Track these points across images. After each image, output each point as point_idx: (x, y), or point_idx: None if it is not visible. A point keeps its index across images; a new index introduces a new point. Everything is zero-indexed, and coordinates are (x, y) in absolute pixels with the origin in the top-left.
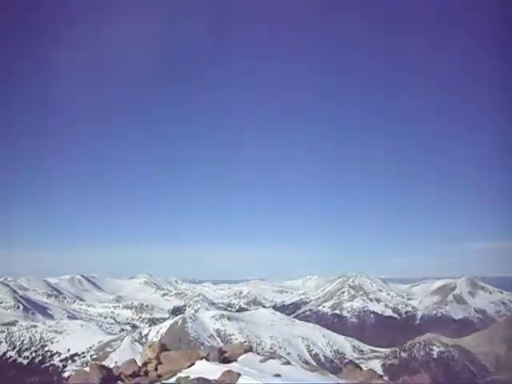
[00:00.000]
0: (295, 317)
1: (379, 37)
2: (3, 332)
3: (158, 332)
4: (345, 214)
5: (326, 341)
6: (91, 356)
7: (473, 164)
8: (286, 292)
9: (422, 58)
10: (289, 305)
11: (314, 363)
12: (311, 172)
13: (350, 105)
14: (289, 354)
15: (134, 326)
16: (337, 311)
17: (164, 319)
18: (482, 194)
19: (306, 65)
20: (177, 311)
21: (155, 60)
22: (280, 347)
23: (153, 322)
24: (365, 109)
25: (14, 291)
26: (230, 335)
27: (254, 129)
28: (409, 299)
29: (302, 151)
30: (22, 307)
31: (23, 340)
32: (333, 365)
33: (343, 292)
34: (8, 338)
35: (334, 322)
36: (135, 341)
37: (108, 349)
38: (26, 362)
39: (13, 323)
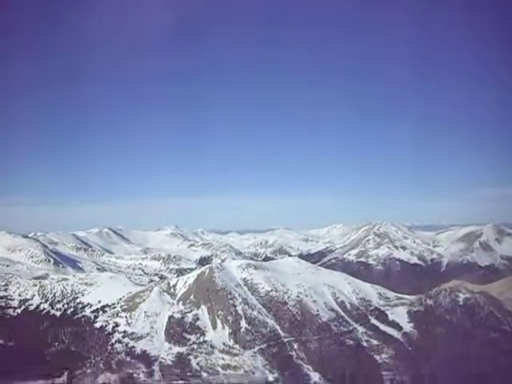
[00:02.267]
0: (321, 265)
1: None
2: (35, 285)
3: (186, 282)
4: (369, 161)
5: (351, 288)
6: (121, 307)
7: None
8: (312, 241)
9: None
10: (314, 253)
11: (340, 311)
12: (336, 115)
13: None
14: (315, 301)
15: (162, 277)
16: (362, 259)
17: (191, 269)
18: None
19: None
20: (203, 261)
21: None
22: (306, 295)
23: (180, 272)
24: None
25: (44, 246)
26: (256, 284)
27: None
28: (434, 246)
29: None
30: (52, 261)
31: (55, 293)
32: (359, 312)
33: (368, 240)
34: (40, 291)
35: (360, 270)
36: (164, 291)
37: (137, 299)
38: (58, 313)
39: (44, 277)
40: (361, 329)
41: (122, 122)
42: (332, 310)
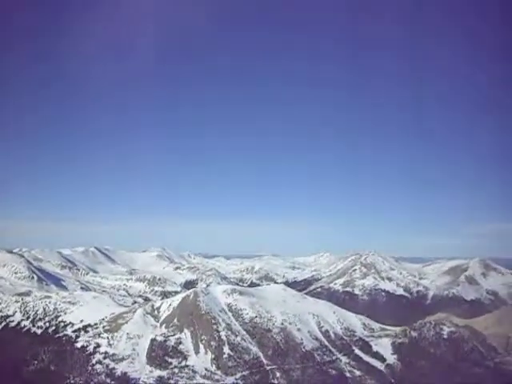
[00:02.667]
0: (307, 293)
1: None
2: (18, 302)
3: (170, 305)
4: (359, 192)
5: (336, 318)
6: (103, 327)
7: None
8: (298, 268)
9: None
10: (300, 281)
11: (324, 340)
12: (326, 146)
13: None
14: (299, 329)
15: (147, 299)
16: (348, 289)
17: (176, 292)
18: (494, 175)
19: None
20: (189, 285)
21: None
22: (291, 323)
23: (165, 295)
24: None
25: (29, 262)
26: (241, 310)
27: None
28: (420, 279)
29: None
30: (36, 278)
31: (37, 310)
32: (343, 342)
33: (355, 270)
34: (22, 308)
35: (346, 300)
36: (147, 313)
37: (120, 320)
38: (39, 331)
39: (27, 293)
40: (344, 359)
41: (112, 136)
42: (316, 338)
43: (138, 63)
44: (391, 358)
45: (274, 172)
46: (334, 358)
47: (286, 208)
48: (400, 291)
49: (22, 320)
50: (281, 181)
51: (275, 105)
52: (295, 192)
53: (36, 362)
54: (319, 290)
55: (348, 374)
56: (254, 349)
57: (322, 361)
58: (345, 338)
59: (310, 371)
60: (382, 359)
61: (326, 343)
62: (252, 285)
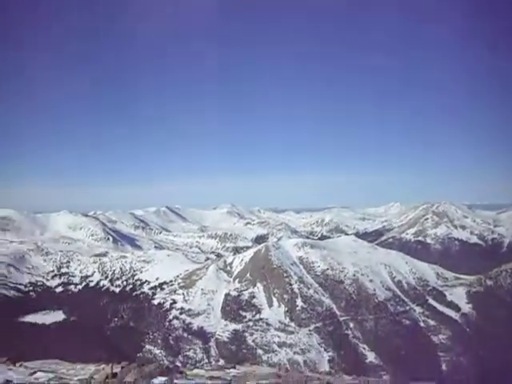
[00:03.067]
0: (378, 244)
1: None
2: (96, 263)
3: (242, 260)
4: (427, 138)
5: (409, 268)
6: (178, 284)
7: None
8: (369, 219)
9: None
10: (371, 232)
11: (397, 290)
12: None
13: None
14: (371, 280)
15: (219, 255)
16: (420, 238)
17: (247, 247)
18: None
19: None
20: (260, 240)
21: None
22: (362, 274)
23: (236, 250)
24: None
25: (104, 224)
26: (312, 263)
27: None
28: (495, 226)
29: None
30: (111, 239)
31: (114, 270)
32: (416, 292)
33: (427, 219)
34: (100, 268)
35: (418, 249)
36: (220, 269)
37: (194, 277)
38: (118, 290)
39: (104, 254)
40: (418, 309)
41: (182, 103)
42: (389, 289)
43: None
44: (466, 308)
45: (342, 123)
46: (407, 308)
47: (354, 160)
48: (474, 239)
49: (100, 280)
50: (349, 132)
51: None
52: (363, 144)
53: (116, 319)
54: (390, 240)
55: (422, 324)
56: (327, 301)
57: (396, 311)
58: (418, 287)
59: (383, 322)
60: (457, 308)
61: (399, 293)
62: (322, 237)
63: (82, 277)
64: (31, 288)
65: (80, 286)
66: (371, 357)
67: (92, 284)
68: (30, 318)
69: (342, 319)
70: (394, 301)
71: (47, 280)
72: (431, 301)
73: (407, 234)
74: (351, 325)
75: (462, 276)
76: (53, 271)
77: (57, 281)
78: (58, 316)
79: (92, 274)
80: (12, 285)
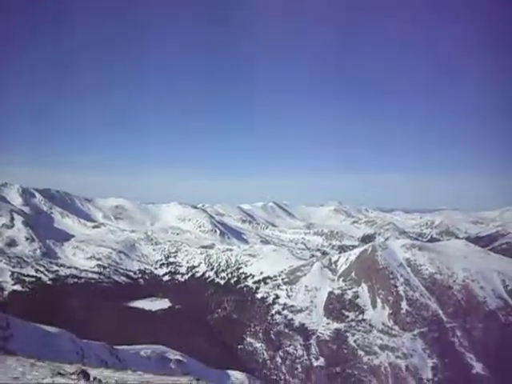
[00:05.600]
0: (491, 249)
1: None
2: (202, 254)
3: (348, 259)
4: None
5: None
6: (282, 279)
7: None
8: (481, 223)
9: None
10: (484, 237)
11: (509, 299)
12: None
13: None
14: (482, 287)
15: (324, 253)
16: None
17: (353, 246)
18: None
19: None
20: (366, 239)
21: None
22: (473, 280)
23: (342, 248)
24: None
25: (211, 216)
26: (420, 265)
27: None
28: None
29: None
30: (218, 231)
31: (220, 262)
32: None
33: None
34: (207, 260)
35: None
36: (325, 267)
37: (298, 273)
38: (222, 281)
39: (211, 246)
40: None
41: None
42: (500, 297)
43: None
44: None
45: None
46: None
47: (467, 160)
48: None
49: (206, 271)
50: (470, 131)
51: None
52: (476, 145)
53: (219, 310)
54: (505, 246)
55: None
56: (434, 305)
57: (507, 321)
58: None
59: (493, 331)
60: None
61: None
62: (432, 240)
63: (188, 267)
64: (140, 275)
65: (186, 276)
66: (478, 367)
67: (198, 275)
68: (138, 304)
69: (448, 326)
70: (505, 310)
71: (155, 268)
72: None
73: None
74: (458, 332)
75: None
76: (161, 260)
77: (164, 269)
78: (164, 303)
79: (198, 265)
80: (122, 271)
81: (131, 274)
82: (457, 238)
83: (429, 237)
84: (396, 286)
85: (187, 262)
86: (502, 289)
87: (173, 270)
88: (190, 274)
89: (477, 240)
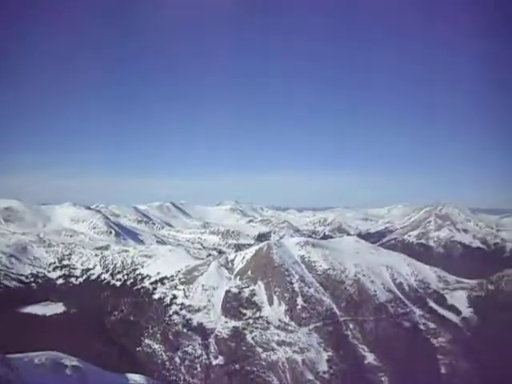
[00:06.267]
0: (380, 245)
1: None
2: (97, 256)
3: (244, 258)
4: (432, 140)
5: (410, 270)
6: (179, 279)
7: None
8: (371, 220)
9: None
10: (374, 233)
11: (398, 292)
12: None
13: None
14: (373, 281)
15: (221, 252)
16: (423, 241)
17: (249, 245)
18: None
19: None
20: (262, 237)
21: None
22: (364, 275)
23: (238, 247)
24: None
25: (106, 217)
26: (314, 262)
27: None
28: (498, 230)
29: None
30: (113, 232)
31: (116, 263)
32: (417, 294)
33: (430, 221)
34: (102, 262)
35: (420, 252)
36: (221, 266)
37: (196, 273)
38: (119, 283)
39: (106, 247)
40: (418, 311)
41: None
42: (390, 291)
43: None
44: (467, 311)
45: (347, 122)
46: (407, 310)
47: (358, 160)
48: (476, 243)
49: (101, 273)
50: (353, 132)
51: None
52: (368, 144)
53: (116, 312)
54: (393, 242)
55: (422, 327)
56: (328, 300)
57: (396, 313)
58: (419, 290)
59: (383, 323)
60: (458, 312)
61: (400, 295)
62: (325, 237)
63: (83, 269)
64: (32, 279)
65: (81, 279)
66: (370, 358)
67: (93, 277)
68: (31, 309)
69: (341, 319)
70: (394, 302)
71: (49, 272)
72: (432, 304)
73: (410, 235)
74: (351, 325)
75: (463, 280)
76: (54, 263)
77: (58, 273)
78: (58, 308)
79: (93, 267)
80: (13, 275)
81: (23, 278)
82: (348, 234)
83: (322, 234)
84: (292, 283)
85: (82, 265)
86: (391, 282)
87: (67, 273)
88: (84, 276)
89: (367, 236)
